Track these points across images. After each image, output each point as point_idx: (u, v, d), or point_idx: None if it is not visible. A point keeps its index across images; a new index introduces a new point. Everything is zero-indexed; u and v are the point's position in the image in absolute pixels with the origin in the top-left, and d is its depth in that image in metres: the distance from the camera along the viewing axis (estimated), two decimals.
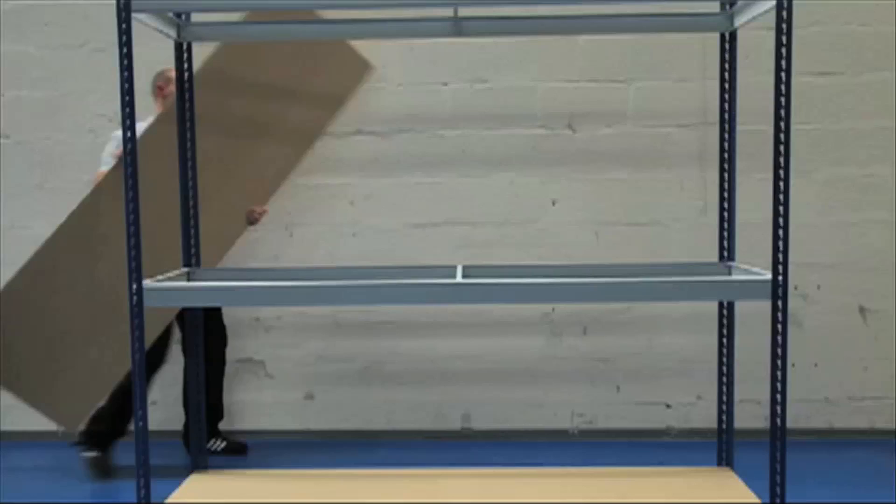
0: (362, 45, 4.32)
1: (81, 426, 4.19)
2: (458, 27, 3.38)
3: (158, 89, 4.30)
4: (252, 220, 4.34)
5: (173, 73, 4.17)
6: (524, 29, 3.72)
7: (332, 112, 4.40)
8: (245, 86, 4.21)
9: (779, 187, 2.83)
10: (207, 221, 3.98)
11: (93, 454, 4.20)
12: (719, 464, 3.52)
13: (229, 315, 4.66)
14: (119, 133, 4.20)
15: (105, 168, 4.13)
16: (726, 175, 3.50)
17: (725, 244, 3.51)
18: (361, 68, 4.39)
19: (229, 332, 4.64)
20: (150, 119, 4.16)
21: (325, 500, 3.12)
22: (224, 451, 4.52)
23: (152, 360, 4.09)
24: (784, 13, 2.77)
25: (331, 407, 4.87)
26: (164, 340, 4.28)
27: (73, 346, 4.04)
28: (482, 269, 3.36)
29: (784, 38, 2.78)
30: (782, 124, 2.81)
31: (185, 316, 3.61)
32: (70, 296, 4.03)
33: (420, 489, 3.21)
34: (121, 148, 4.05)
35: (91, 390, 4.09)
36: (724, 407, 3.51)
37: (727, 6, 3.35)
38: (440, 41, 4.45)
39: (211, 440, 4.48)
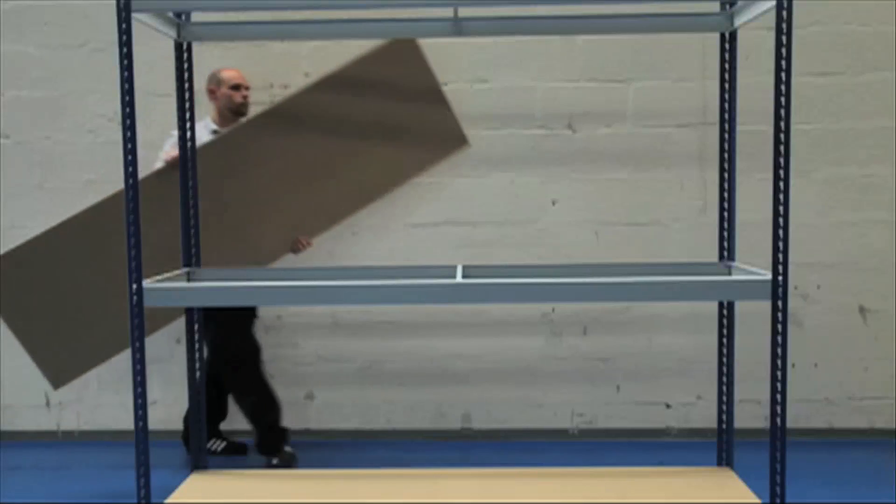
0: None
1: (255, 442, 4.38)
2: (458, 27, 3.39)
3: (210, 92, 4.31)
4: (295, 249, 4.35)
5: (224, 74, 4.27)
6: (524, 29, 3.71)
7: (412, 174, 4.47)
8: (341, 119, 4.29)
9: (779, 187, 2.83)
10: (258, 234, 4.23)
11: (276, 460, 4.33)
12: (719, 464, 3.53)
13: None
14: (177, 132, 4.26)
15: (159, 164, 4.15)
16: (726, 175, 3.50)
17: (725, 244, 3.52)
18: (457, 141, 4.46)
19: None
20: (207, 120, 4.29)
21: (325, 500, 3.12)
22: (224, 451, 4.53)
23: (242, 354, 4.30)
24: (784, 13, 2.77)
25: (331, 407, 4.87)
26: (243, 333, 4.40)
27: (84, 310, 4.13)
28: (482, 269, 3.37)
29: (784, 38, 2.79)
30: (782, 124, 2.81)
31: (185, 315, 3.61)
32: (94, 263, 4.11)
33: (420, 489, 3.22)
34: (170, 150, 4.10)
35: (87, 358, 4.21)
36: (724, 407, 3.51)
37: (727, 6, 3.35)
38: (440, 41, 4.45)
39: (211, 440, 4.48)
